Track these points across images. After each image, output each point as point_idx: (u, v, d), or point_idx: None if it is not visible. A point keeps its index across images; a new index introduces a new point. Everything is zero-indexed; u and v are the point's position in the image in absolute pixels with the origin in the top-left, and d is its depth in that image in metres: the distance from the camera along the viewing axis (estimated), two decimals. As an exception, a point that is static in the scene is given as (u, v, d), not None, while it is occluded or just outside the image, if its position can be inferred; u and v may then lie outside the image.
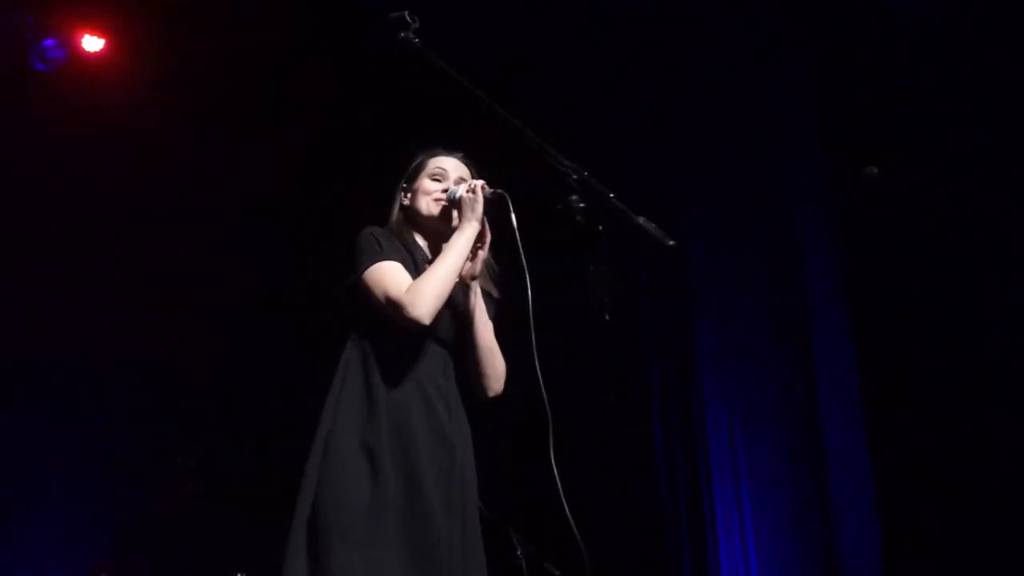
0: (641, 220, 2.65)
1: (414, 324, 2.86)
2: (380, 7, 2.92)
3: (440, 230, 3.09)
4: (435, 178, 3.13)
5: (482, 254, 3.02)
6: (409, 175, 3.19)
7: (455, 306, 3.03)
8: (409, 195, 3.16)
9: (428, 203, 3.09)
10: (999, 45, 4.48)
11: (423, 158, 3.20)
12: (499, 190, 2.99)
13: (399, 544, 2.76)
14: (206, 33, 5.42)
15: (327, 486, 2.78)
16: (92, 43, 5.55)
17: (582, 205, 2.63)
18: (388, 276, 2.91)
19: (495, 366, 3.08)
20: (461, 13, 5.19)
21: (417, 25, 2.89)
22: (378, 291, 2.90)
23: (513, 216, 2.90)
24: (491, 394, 3.11)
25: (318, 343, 5.40)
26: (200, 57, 5.48)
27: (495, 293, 3.18)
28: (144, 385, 5.59)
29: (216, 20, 5.39)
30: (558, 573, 4.87)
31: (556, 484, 2.93)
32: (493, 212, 3.00)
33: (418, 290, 2.86)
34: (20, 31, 5.41)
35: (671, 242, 2.62)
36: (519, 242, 2.90)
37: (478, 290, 3.07)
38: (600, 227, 2.64)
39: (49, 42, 5.49)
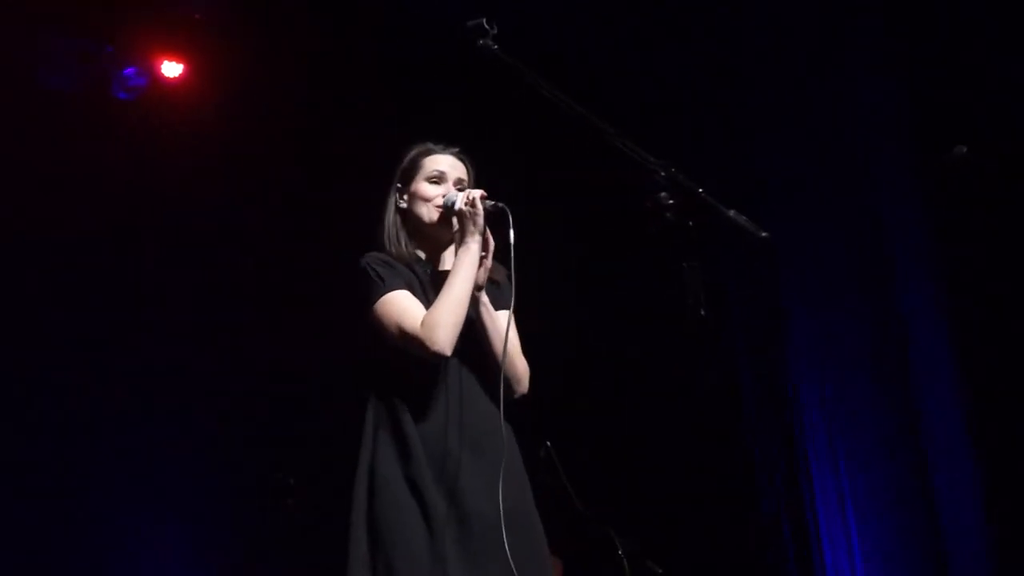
0: (732, 213, 2.64)
1: (436, 358, 2.81)
2: (454, 19, 2.96)
3: (439, 236, 3.03)
4: (433, 181, 3.04)
5: (487, 263, 2.93)
6: (403, 175, 3.08)
7: (468, 320, 2.91)
8: (405, 198, 3.06)
9: (429, 210, 3.01)
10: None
11: (416, 155, 3.09)
12: (499, 204, 2.89)
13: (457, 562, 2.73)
14: (283, 56, 5.50)
15: (380, 521, 2.76)
16: (171, 68, 5.64)
17: (671, 201, 2.60)
18: (398, 309, 2.85)
19: (514, 367, 2.97)
20: (531, 16, 5.20)
21: (495, 31, 2.91)
22: (391, 326, 2.84)
23: (511, 232, 2.81)
24: (516, 396, 3.00)
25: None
26: (278, 79, 5.55)
27: (505, 279, 3.02)
28: (243, 403, 5.67)
29: (294, 43, 5.48)
30: (660, 571, 4.85)
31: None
32: (494, 223, 2.90)
33: (434, 323, 2.79)
34: (101, 61, 5.53)
35: (764, 233, 2.61)
36: (512, 260, 2.83)
37: (485, 298, 2.98)
38: (691, 223, 2.64)
39: (130, 70, 5.60)
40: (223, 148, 5.62)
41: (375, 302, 2.86)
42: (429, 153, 3.09)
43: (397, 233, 3.03)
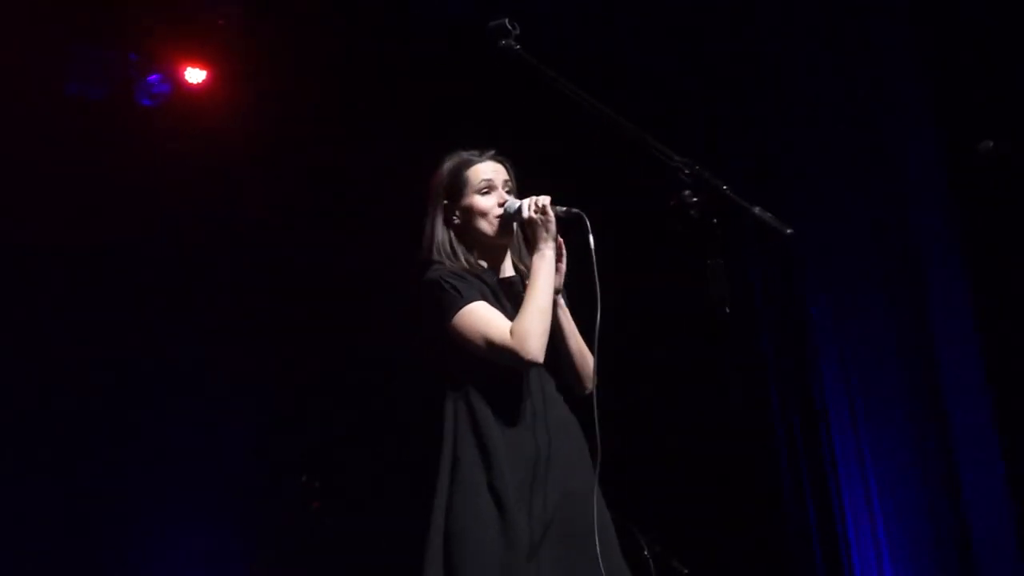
0: (757, 210, 2.65)
1: (529, 366, 2.85)
2: (478, 21, 2.97)
3: (500, 245, 3.05)
4: (484, 192, 3.03)
5: (562, 267, 2.97)
6: (448, 191, 3.06)
7: None
8: (458, 214, 3.04)
9: (490, 222, 3.01)
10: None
11: (456, 167, 3.07)
12: (574, 209, 2.92)
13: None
14: (306, 60, 5.52)
15: (457, 531, 2.76)
16: (195, 75, 5.65)
17: (695, 199, 2.63)
18: (482, 321, 2.86)
19: (586, 367, 3.03)
20: (548, 15, 5.20)
21: (518, 32, 2.92)
22: (476, 338, 2.85)
23: (591, 238, 2.83)
24: (586, 392, 3.05)
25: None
26: (301, 84, 5.56)
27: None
28: (266, 404, 5.72)
29: (317, 47, 5.50)
30: (686, 571, 4.85)
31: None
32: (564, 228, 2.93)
33: (524, 332, 2.81)
34: (126, 69, 5.58)
35: (789, 230, 2.62)
36: (595, 266, 2.84)
37: (561, 300, 3.02)
38: (715, 220, 2.65)
39: (154, 77, 5.64)
40: (247, 153, 5.64)
41: (455, 315, 2.86)
42: (469, 164, 3.08)
43: (454, 248, 3.03)
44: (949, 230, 4.83)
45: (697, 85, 5.64)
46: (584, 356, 3.03)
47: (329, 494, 5.26)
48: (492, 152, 3.11)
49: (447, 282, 2.91)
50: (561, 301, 3.02)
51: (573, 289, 3.07)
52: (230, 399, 5.62)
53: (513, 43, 2.88)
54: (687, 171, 2.68)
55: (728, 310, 2.64)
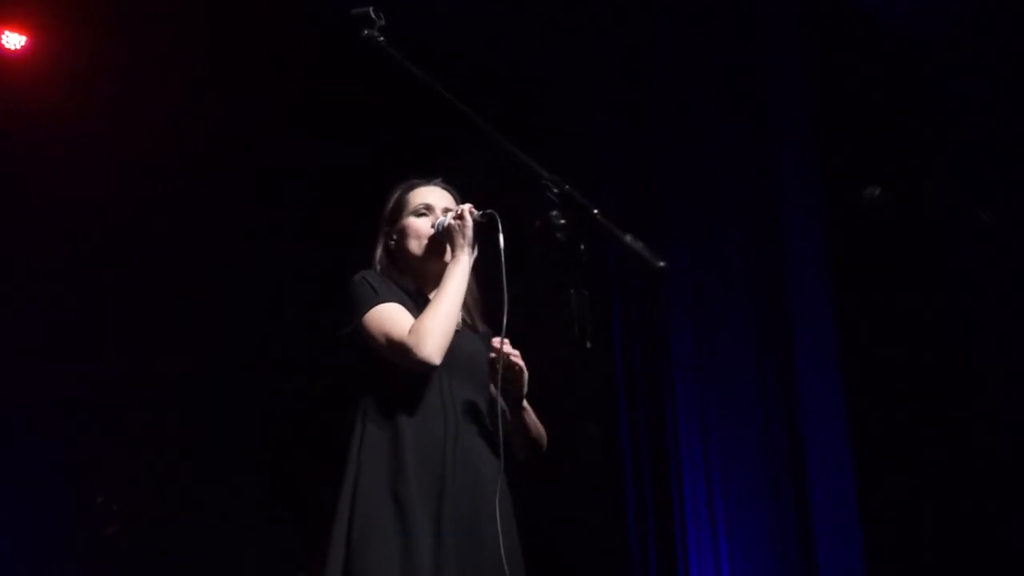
0: (628, 239, 2.60)
1: (422, 366, 2.86)
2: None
3: (432, 272, 3.07)
4: (420, 213, 3.11)
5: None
6: (389, 215, 3.16)
7: (473, 349, 3.05)
8: (394, 237, 3.13)
9: (419, 243, 3.08)
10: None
11: (400, 193, 3.17)
12: (488, 211, 2.97)
13: None
14: (139, 27, 5.31)
15: (360, 536, 2.79)
16: (13, 40, 5.45)
17: (563, 221, 2.58)
18: (388, 319, 2.91)
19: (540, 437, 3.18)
20: (431, 13, 5.15)
21: (383, 22, 2.84)
22: (379, 336, 2.90)
23: (501, 237, 2.89)
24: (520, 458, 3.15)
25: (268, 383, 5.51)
26: (133, 53, 5.36)
27: (480, 327, 3.17)
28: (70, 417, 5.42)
29: (151, 13, 5.28)
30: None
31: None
32: (482, 235, 2.99)
33: (423, 331, 2.85)
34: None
35: (662, 263, 2.58)
36: (503, 266, 2.88)
37: (526, 404, 3.09)
38: (582, 246, 2.61)
39: (-31, 40, 5.41)
40: (70, 125, 5.40)
41: (366, 312, 2.93)
42: (412, 188, 3.17)
43: (387, 271, 3.11)
44: (822, 275, 4.92)
45: (573, 95, 5.61)
46: (539, 436, 3.16)
47: (129, 518, 5.06)
48: (439, 179, 3.19)
49: (368, 282, 2.99)
50: (526, 405, 3.08)
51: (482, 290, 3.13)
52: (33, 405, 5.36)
53: (376, 34, 2.83)
54: (556, 189, 2.62)
55: (589, 345, 2.61)
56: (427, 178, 3.20)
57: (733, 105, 5.25)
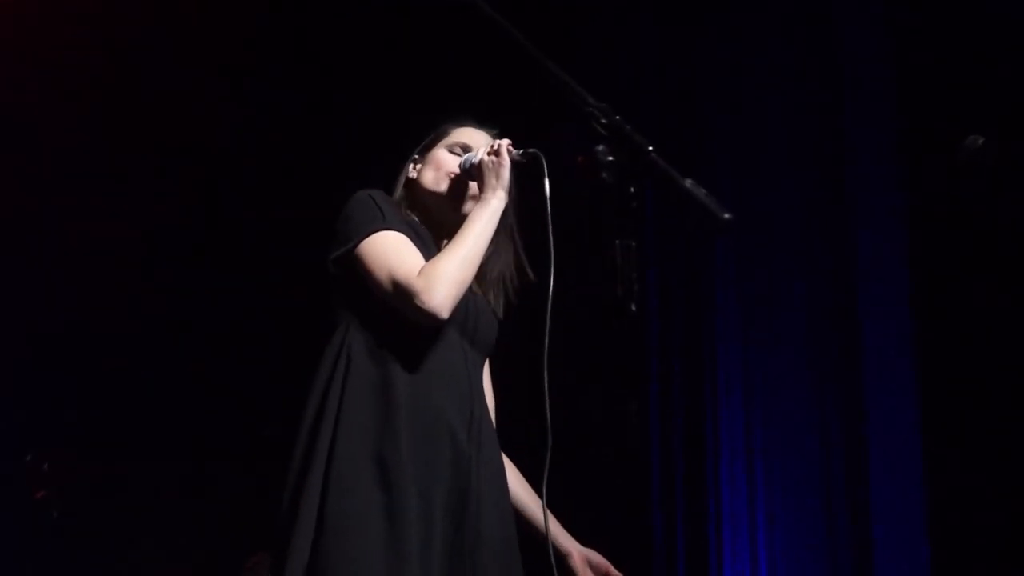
0: (689, 184, 2.34)
1: (428, 317, 2.54)
2: None
3: (447, 216, 2.79)
4: (454, 151, 2.83)
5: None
6: (425, 144, 2.91)
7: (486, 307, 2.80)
8: (418, 167, 2.87)
9: (437, 177, 2.80)
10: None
11: (447, 125, 2.92)
12: (531, 149, 2.68)
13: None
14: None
15: (331, 531, 2.45)
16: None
17: (611, 159, 2.28)
18: (394, 251, 2.58)
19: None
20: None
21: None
22: (379, 270, 2.57)
23: (547, 183, 2.61)
24: None
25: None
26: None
27: (499, 312, 2.89)
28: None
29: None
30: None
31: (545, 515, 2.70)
32: (520, 179, 2.73)
33: (436, 274, 2.53)
34: None
35: (726, 215, 2.31)
36: (549, 218, 2.59)
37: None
38: (632, 189, 2.31)
39: None
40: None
41: (366, 236, 2.59)
42: (461, 125, 2.91)
43: (397, 200, 2.83)
44: (895, 248, 4.60)
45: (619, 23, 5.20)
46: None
47: (62, 480, 4.75)
48: (496, 131, 2.90)
49: (374, 200, 2.66)
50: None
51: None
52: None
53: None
54: (604, 120, 2.32)
55: (635, 308, 2.35)
56: (479, 122, 2.94)
57: (794, 32, 4.89)
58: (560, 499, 2.76)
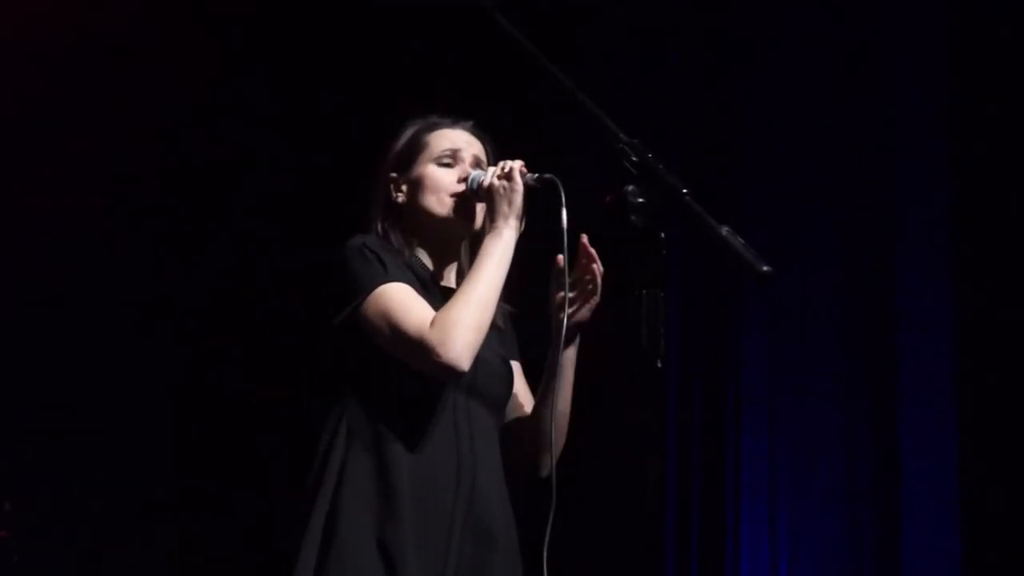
0: (726, 232, 2.23)
1: (447, 372, 2.38)
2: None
3: (450, 236, 2.63)
4: (444, 163, 2.62)
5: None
6: (400, 159, 2.66)
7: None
8: (404, 188, 2.63)
9: (440, 200, 2.58)
10: None
11: (416, 131, 2.69)
12: (547, 175, 2.50)
13: None
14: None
15: None
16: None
17: (641, 200, 2.19)
18: (401, 305, 2.41)
19: (557, 447, 2.61)
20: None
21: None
22: (388, 328, 2.40)
23: (564, 212, 2.44)
24: (544, 474, 2.64)
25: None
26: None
27: (514, 353, 2.76)
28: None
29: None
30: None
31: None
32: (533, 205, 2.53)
33: (450, 324, 2.36)
34: None
35: (765, 268, 2.20)
36: (565, 253, 2.48)
37: (571, 354, 2.65)
38: (662, 234, 2.20)
39: None
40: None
41: (370, 293, 2.42)
42: (434, 128, 2.68)
43: (388, 234, 2.62)
44: (940, 287, 4.55)
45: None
46: (561, 434, 2.63)
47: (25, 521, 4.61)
48: (471, 123, 2.71)
49: (371, 252, 2.47)
50: (571, 356, 2.63)
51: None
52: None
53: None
54: (635, 158, 2.22)
55: (661, 363, 2.24)
56: (453, 118, 2.72)
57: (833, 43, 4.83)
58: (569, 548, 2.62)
